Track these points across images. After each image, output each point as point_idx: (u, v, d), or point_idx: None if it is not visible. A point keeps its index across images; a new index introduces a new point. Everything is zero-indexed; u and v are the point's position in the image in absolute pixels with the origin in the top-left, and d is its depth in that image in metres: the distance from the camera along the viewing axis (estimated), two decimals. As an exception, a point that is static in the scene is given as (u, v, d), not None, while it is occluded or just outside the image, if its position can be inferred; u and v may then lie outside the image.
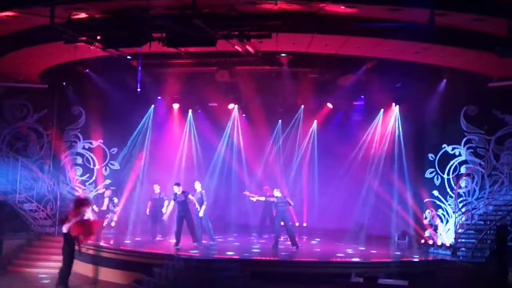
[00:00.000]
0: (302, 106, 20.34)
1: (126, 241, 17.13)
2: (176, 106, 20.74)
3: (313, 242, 18.69)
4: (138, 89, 16.79)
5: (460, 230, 16.20)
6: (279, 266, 14.26)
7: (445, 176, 17.63)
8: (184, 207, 16.05)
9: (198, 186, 16.54)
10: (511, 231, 14.74)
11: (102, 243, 16.23)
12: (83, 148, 19.79)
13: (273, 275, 13.36)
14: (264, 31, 12.64)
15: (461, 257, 15.50)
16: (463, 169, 17.30)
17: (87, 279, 15.26)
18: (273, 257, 15.31)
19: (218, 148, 20.58)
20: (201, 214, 16.23)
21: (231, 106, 20.40)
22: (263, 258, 15.13)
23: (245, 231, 19.43)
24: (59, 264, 16.52)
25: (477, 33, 13.02)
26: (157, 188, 17.98)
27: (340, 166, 19.44)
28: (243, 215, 20.34)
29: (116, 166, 19.92)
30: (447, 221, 17.39)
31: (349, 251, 16.27)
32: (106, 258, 15.21)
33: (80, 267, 16.09)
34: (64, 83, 19.19)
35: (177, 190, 16.17)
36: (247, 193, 17.56)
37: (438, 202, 17.68)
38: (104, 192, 17.96)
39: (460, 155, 17.40)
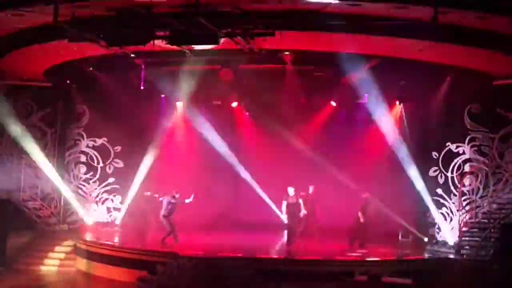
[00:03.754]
0: (306, 104, 20.32)
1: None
2: (179, 104, 20.75)
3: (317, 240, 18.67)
4: (142, 87, 16.80)
5: (464, 228, 16.18)
6: (283, 264, 14.26)
7: (449, 174, 17.60)
8: (293, 209, 16.44)
9: (291, 191, 16.69)
10: (515, 229, 14.71)
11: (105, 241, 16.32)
12: (87, 146, 19.84)
13: (277, 273, 13.38)
14: (267, 29, 12.65)
15: (465, 255, 15.46)
16: (467, 167, 17.28)
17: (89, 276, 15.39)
18: (277, 255, 15.31)
19: (221, 146, 20.56)
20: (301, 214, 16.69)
21: (234, 104, 20.40)
22: (267, 256, 15.13)
23: (250, 229, 19.39)
24: (63, 262, 16.73)
25: (482, 31, 12.99)
26: (292, 191, 16.81)
27: (343, 164, 19.40)
28: (247, 213, 20.31)
29: (120, 164, 19.97)
30: (451, 219, 17.36)
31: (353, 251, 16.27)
32: (110, 256, 15.24)
33: (83, 264, 16.19)
34: (68, 82, 19.24)
35: (291, 192, 16.51)
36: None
37: (441, 200, 17.66)
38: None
39: (464, 153, 17.38)
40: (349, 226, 17.24)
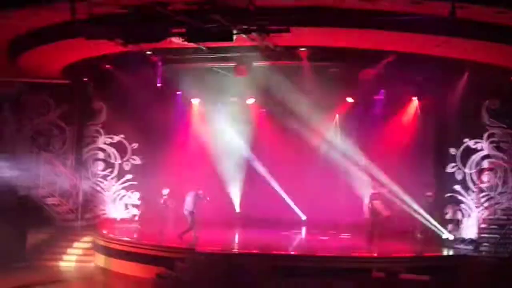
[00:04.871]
0: (322, 100, 20.25)
1: None
2: (195, 101, 20.80)
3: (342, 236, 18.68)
4: (158, 84, 16.87)
5: (482, 225, 16.05)
6: (300, 260, 14.26)
7: (467, 170, 17.45)
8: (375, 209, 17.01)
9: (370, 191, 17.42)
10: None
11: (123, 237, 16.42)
12: (105, 143, 19.98)
13: (294, 269, 13.38)
14: (283, 26, 12.62)
15: (483, 252, 15.36)
16: (485, 164, 17.12)
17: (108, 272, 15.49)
18: (294, 252, 15.32)
19: (237, 142, 20.59)
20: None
21: (250, 101, 20.40)
22: (284, 252, 15.14)
23: (267, 226, 19.42)
24: (82, 257, 16.89)
25: (500, 26, 12.85)
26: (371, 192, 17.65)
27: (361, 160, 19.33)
28: (264, 210, 20.32)
29: (137, 161, 20.09)
30: (469, 216, 17.23)
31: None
32: (129, 252, 15.35)
33: (101, 260, 16.33)
34: (85, 79, 19.38)
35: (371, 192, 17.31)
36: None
37: (459, 197, 17.53)
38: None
39: (482, 149, 17.22)
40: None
